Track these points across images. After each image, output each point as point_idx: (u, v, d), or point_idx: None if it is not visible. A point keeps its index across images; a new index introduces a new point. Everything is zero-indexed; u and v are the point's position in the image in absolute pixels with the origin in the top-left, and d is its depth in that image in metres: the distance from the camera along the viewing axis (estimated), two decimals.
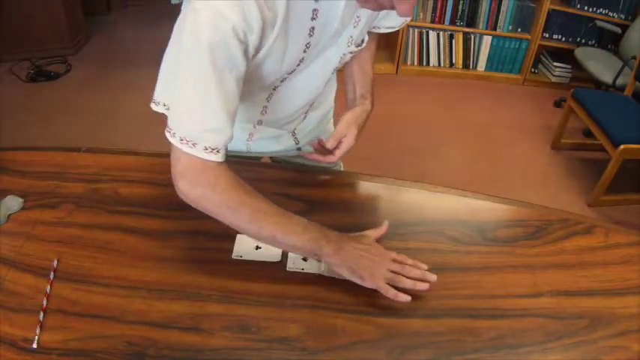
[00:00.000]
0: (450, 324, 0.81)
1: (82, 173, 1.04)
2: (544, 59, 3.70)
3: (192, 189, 0.79)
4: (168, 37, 0.94)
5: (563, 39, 3.53)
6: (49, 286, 0.81)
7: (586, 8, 3.37)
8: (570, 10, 3.38)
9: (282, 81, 0.90)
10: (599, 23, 3.30)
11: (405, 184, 1.10)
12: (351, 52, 0.92)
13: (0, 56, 3.23)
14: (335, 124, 1.01)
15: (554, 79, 3.62)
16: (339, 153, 0.96)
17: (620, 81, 2.87)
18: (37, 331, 0.75)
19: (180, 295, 0.82)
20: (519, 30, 3.53)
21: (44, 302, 0.79)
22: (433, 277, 0.84)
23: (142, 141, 2.70)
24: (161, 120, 0.87)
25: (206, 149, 0.76)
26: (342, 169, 1.30)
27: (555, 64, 3.58)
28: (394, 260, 0.84)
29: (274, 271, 0.87)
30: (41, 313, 0.77)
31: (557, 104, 3.43)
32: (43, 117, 2.84)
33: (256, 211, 0.80)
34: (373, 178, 1.14)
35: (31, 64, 3.23)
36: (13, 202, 0.95)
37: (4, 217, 0.93)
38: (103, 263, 0.86)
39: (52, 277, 0.83)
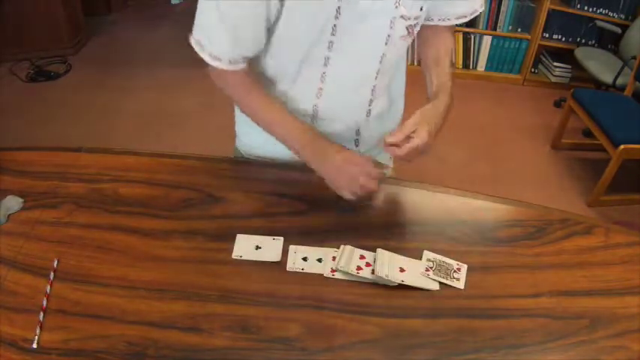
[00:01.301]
0: (450, 324, 0.81)
1: (82, 173, 1.04)
2: (544, 59, 3.70)
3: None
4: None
5: (563, 39, 3.53)
6: (49, 286, 0.81)
7: (586, 8, 3.36)
8: (570, 10, 3.37)
9: (329, 49, 0.90)
10: (599, 23, 3.30)
11: (405, 184, 1.10)
12: (403, 18, 0.89)
13: (0, 56, 3.23)
14: None
15: (554, 79, 3.62)
16: (406, 148, 0.88)
17: (620, 81, 2.87)
18: (37, 331, 0.75)
19: (180, 295, 0.82)
20: (519, 30, 3.52)
21: (44, 302, 0.79)
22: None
23: (142, 141, 2.71)
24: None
25: (210, 55, 0.89)
26: (390, 174, 1.24)
27: (555, 64, 3.58)
28: (368, 174, 0.91)
29: (274, 271, 0.87)
30: (41, 313, 0.77)
31: (557, 104, 3.42)
32: (43, 117, 2.84)
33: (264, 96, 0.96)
34: None
35: (31, 64, 3.23)
36: (13, 202, 0.95)
37: (4, 217, 0.93)
38: (103, 263, 0.86)
39: (52, 277, 0.83)
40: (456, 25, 1.01)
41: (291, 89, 0.99)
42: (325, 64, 0.93)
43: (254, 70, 0.98)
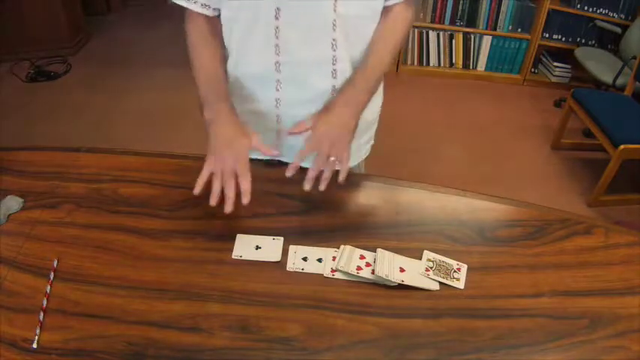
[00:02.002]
0: (450, 324, 0.81)
1: (82, 173, 1.04)
2: (544, 59, 3.70)
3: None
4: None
5: (563, 39, 3.53)
6: (49, 286, 0.81)
7: (586, 8, 3.37)
8: (570, 10, 3.37)
9: (276, 9, 0.92)
10: (599, 23, 3.30)
11: (405, 184, 1.10)
12: None
13: (0, 56, 3.23)
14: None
15: (554, 79, 3.62)
16: (299, 157, 0.92)
17: (620, 81, 2.87)
18: (37, 331, 0.75)
19: (180, 295, 0.82)
20: (519, 30, 3.52)
21: (44, 302, 0.79)
22: (244, 200, 0.87)
23: (142, 141, 2.71)
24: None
25: None
26: (362, 170, 1.26)
27: (555, 64, 3.58)
28: (234, 172, 0.88)
29: (274, 271, 0.87)
30: (41, 313, 0.77)
31: (557, 104, 3.43)
32: (43, 117, 2.85)
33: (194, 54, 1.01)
34: (373, 177, 1.14)
35: (31, 64, 3.23)
36: (13, 202, 0.95)
37: (4, 217, 0.93)
38: (103, 263, 0.86)
39: (52, 277, 0.83)
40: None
41: (248, 48, 1.01)
42: (277, 17, 0.93)
43: (217, 31, 1.02)
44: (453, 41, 3.57)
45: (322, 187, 0.92)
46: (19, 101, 2.99)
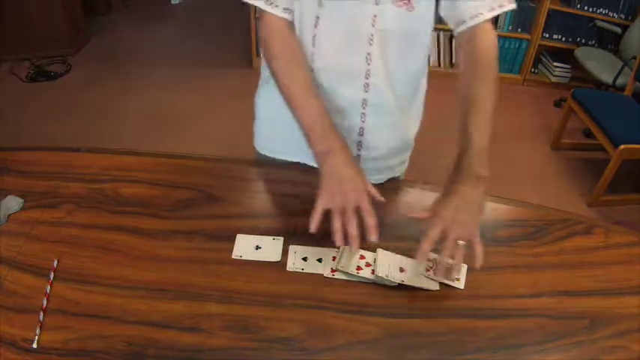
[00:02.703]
0: (450, 324, 0.81)
1: (82, 173, 1.04)
2: (544, 59, 3.70)
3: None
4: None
5: (563, 39, 3.53)
6: (49, 286, 0.81)
7: (586, 8, 3.37)
8: (570, 10, 3.37)
9: (319, 5, 0.90)
10: (599, 23, 3.30)
11: (405, 184, 1.10)
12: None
13: (0, 56, 3.23)
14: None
15: (554, 79, 3.62)
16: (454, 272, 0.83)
17: (620, 81, 2.87)
18: (37, 331, 0.75)
19: (180, 295, 0.82)
20: (519, 30, 3.52)
21: (44, 302, 0.79)
22: (373, 237, 0.83)
23: (142, 141, 2.71)
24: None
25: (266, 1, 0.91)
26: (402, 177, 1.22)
27: (555, 64, 3.58)
28: (359, 207, 0.84)
29: (274, 271, 0.87)
30: (41, 313, 0.77)
31: (557, 104, 3.43)
32: (43, 117, 2.85)
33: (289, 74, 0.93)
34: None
35: (31, 64, 3.23)
36: (13, 202, 0.95)
37: (4, 217, 0.93)
38: (103, 263, 0.86)
39: (52, 277, 0.83)
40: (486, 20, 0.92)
41: None
42: (316, 25, 0.92)
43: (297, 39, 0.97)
44: (453, 41, 3.57)
45: (454, 275, 0.84)
46: (19, 101, 2.99)
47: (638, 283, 0.91)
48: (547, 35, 3.51)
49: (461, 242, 0.82)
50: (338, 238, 0.82)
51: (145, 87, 3.22)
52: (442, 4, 0.95)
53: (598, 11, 3.36)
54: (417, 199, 1.07)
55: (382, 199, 0.88)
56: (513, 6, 0.93)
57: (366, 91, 0.99)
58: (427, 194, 1.08)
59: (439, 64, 3.65)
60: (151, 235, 0.92)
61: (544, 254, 0.95)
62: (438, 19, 0.98)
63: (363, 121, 1.03)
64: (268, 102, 1.10)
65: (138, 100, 3.08)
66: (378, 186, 1.01)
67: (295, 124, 1.00)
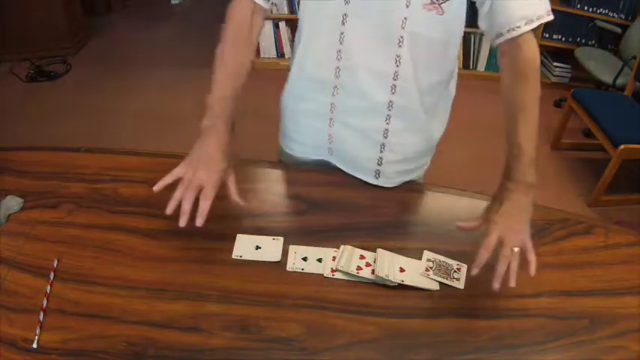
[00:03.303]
0: (450, 324, 0.81)
1: (82, 173, 1.04)
2: (544, 59, 3.69)
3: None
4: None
5: (563, 39, 3.52)
6: (49, 286, 0.81)
7: (586, 8, 3.36)
8: (570, 10, 3.37)
9: (345, 3, 0.90)
10: (599, 23, 3.30)
11: (405, 184, 1.10)
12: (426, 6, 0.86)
13: (0, 56, 3.23)
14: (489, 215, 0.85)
15: (554, 79, 3.62)
16: (512, 277, 0.79)
17: (620, 81, 2.87)
18: (37, 331, 0.75)
19: (180, 295, 0.82)
20: None
21: (44, 302, 0.79)
22: (198, 221, 0.83)
23: (142, 141, 2.71)
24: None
25: None
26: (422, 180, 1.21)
27: (555, 64, 3.57)
28: (199, 188, 0.85)
29: (274, 271, 0.87)
30: (41, 313, 0.77)
31: (557, 104, 3.42)
32: (43, 117, 2.85)
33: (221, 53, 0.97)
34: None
35: (31, 64, 3.23)
36: (13, 202, 0.95)
37: (4, 217, 0.93)
38: (103, 263, 0.86)
39: (52, 277, 0.83)
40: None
41: (312, 49, 0.99)
42: (343, 22, 0.92)
43: (256, 28, 0.99)
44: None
45: (513, 282, 0.79)
46: (19, 101, 2.99)
47: (638, 283, 0.91)
48: (547, 35, 3.51)
49: (516, 249, 0.81)
50: (171, 205, 0.84)
51: (144, 87, 3.22)
52: (481, 15, 0.94)
53: (598, 11, 3.36)
54: (417, 200, 1.08)
55: (238, 199, 0.90)
56: (551, 17, 0.90)
57: (393, 93, 0.98)
58: (425, 194, 1.08)
59: None
60: (151, 235, 0.92)
61: (544, 254, 0.95)
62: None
63: (387, 123, 1.01)
64: (290, 103, 1.10)
65: (138, 100, 3.08)
66: (393, 189, 1.01)
67: (316, 124, 1.04)
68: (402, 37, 0.91)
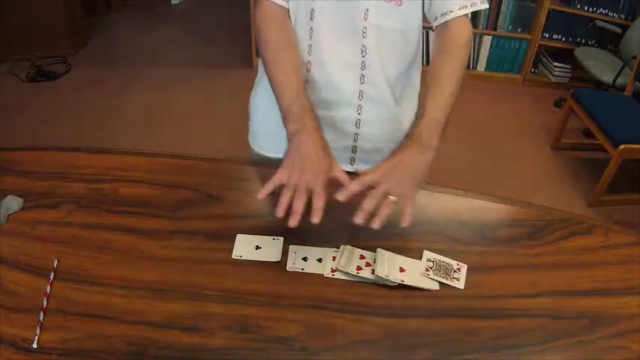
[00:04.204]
0: (450, 324, 0.81)
1: (82, 173, 1.04)
2: (544, 59, 3.69)
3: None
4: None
5: (563, 39, 3.53)
6: (49, 286, 0.81)
7: (586, 8, 3.36)
8: (570, 10, 3.37)
9: (311, 10, 0.94)
10: (599, 23, 3.30)
11: None
12: None
13: (0, 56, 3.23)
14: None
15: (554, 79, 3.62)
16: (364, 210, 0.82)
17: (620, 81, 2.87)
18: (37, 331, 0.75)
19: (180, 295, 0.82)
20: (519, 30, 3.52)
21: (44, 302, 0.79)
22: (315, 219, 0.83)
23: (142, 141, 2.71)
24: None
25: None
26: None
27: (555, 64, 3.58)
28: (309, 189, 0.84)
29: (274, 271, 0.87)
30: (41, 313, 0.77)
31: (557, 104, 3.43)
32: (43, 117, 2.85)
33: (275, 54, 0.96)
34: None
35: (31, 64, 3.23)
36: (13, 202, 0.95)
37: (4, 217, 0.93)
38: (103, 263, 0.86)
39: (52, 277, 0.83)
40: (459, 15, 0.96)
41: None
42: (311, 18, 0.96)
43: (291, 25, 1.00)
44: None
45: (377, 225, 0.82)
46: (19, 101, 2.99)
47: (638, 283, 0.91)
48: (547, 35, 3.51)
49: (392, 198, 0.83)
50: (281, 208, 0.84)
51: (144, 87, 3.22)
52: (425, 2, 0.99)
53: (598, 11, 3.36)
54: (417, 200, 1.07)
55: (354, 186, 0.85)
56: (486, 5, 0.98)
57: (362, 83, 1.02)
58: (424, 194, 1.08)
59: None
60: (150, 235, 0.92)
61: (544, 254, 0.95)
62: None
63: (359, 114, 1.05)
64: (264, 100, 1.11)
65: (138, 100, 3.08)
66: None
67: None
68: (365, 28, 0.96)
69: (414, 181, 0.87)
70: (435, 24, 1.00)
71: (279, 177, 0.87)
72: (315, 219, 0.83)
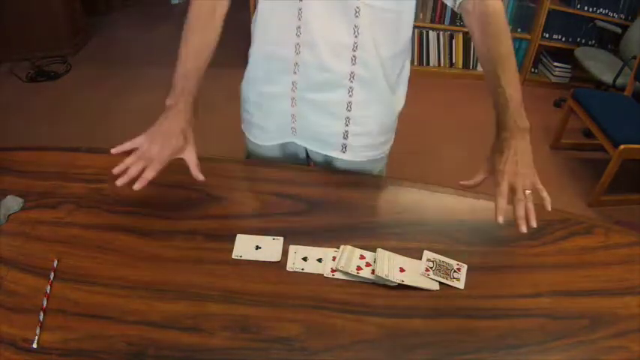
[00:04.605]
0: (450, 324, 0.81)
1: (82, 173, 1.04)
2: (544, 59, 3.69)
3: None
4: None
5: (563, 39, 3.53)
6: (49, 286, 0.81)
7: (586, 8, 3.36)
8: (570, 10, 3.37)
9: None
10: (599, 23, 3.30)
11: (405, 184, 1.10)
12: None
13: (0, 56, 3.23)
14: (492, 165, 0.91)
15: (554, 79, 3.62)
16: (532, 219, 0.84)
17: (620, 81, 2.87)
18: (37, 331, 0.75)
19: (180, 295, 0.82)
20: (519, 30, 3.52)
21: (44, 302, 0.79)
22: (136, 185, 0.87)
23: None
24: None
25: None
26: (383, 174, 1.24)
27: (555, 64, 3.57)
28: (150, 160, 0.89)
29: (274, 271, 0.87)
30: (41, 313, 0.77)
31: (557, 104, 3.42)
32: (43, 117, 2.84)
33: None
34: (373, 177, 1.14)
35: (31, 64, 3.23)
36: (13, 202, 0.95)
37: (4, 217, 0.93)
38: (103, 263, 0.86)
39: (52, 277, 0.83)
40: None
41: (271, 28, 1.01)
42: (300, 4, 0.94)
43: (218, 11, 1.03)
44: (453, 41, 3.57)
45: (534, 222, 0.85)
46: (19, 101, 2.99)
47: (638, 283, 0.91)
48: (547, 35, 3.51)
49: (527, 192, 0.86)
50: (119, 167, 0.90)
51: (144, 87, 3.21)
52: None
53: (598, 11, 3.36)
54: (416, 200, 1.07)
55: (200, 176, 0.94)
56: None
57: (354, 64, 1.00)
58: (424, 194, 1.08)
59: (439, 64, 3.65)
60: (151, 235, 0.92)
61: (544, 254, 0.95)
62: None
63: (350, 96, 1.04)
64: (253, 90, 1.12)
65: (138, 100, 3.08)
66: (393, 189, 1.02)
67: (279, 106, 1.06)
68: (358, 8, 0.93)
69: (532, 167, 0.89)
70: (460, 0, 0.95)
71: (136, 141, 0.93)
72: (136, 185, 0.87)
